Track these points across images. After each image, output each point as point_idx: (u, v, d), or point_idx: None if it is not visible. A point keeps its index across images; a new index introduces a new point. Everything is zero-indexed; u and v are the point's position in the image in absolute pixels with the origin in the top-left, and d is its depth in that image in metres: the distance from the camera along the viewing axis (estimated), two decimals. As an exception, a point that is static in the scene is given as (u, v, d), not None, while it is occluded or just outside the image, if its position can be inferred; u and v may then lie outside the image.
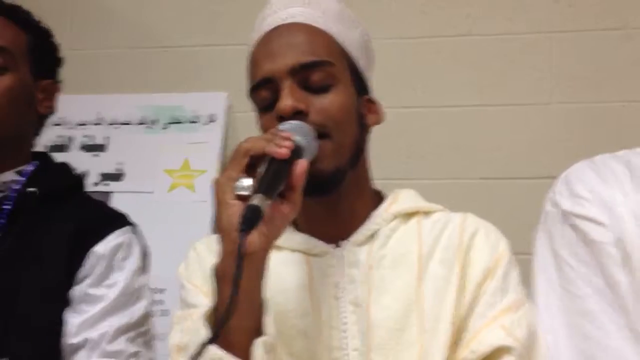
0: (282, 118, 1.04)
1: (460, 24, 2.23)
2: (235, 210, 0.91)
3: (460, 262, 1.08)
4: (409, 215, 1.14)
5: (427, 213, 1.15)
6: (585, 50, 2.15)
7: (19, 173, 1.34)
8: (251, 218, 0.88)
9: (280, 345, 1.02)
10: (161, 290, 2.06)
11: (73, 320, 1.25)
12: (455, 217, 1.14)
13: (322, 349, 1.05)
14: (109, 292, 1.28)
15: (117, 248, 1.31)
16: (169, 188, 2.23)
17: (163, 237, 2.03)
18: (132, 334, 1.28)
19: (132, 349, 1.27)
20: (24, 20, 1.38)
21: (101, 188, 2.24)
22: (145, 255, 1.38)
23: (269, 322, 0.95)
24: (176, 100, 2.33)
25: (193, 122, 2.29)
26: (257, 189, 0.91)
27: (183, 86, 2.35)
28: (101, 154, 2.31)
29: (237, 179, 0.93)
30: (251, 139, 0.97)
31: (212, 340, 0.88)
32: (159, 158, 2.26)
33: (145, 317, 1.33)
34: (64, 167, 1.45)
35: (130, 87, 2.38)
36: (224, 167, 0.96)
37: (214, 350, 0.91)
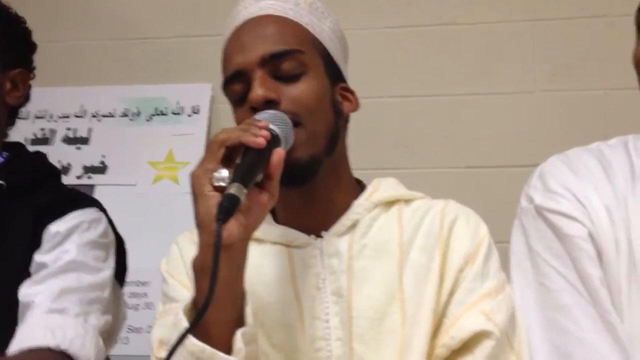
0: (254, 109, 1.04)
1: (444, 13, 2.23)
2: (213, 201, 0.90)
3: (441, 249, 1.08)
4: (389, 204, 1.14)
5: (407, 201, 1.15)
6: (568, 38, 2.16)
7: None
8: (228, 207, 0.87)
9: (262, 337, 1.02)
10: (145, 283, 2.06)
11: (24, 286, 1.22)
12: (436, 204, 1.14)
13: (304, 339, 1.05)
14: (57, 259, 1.23)
15: (76, 226, 1.27)
16: (153, 180, 2.22)
17: (147, 229, 2.03)
18: (80, 296, 1.22)
19: (80, 309, 1.21)
20: None
21: (84, 181, 2.23)
22: (106, 235, 1.32)
23: (250, 314, 0.95)
24: (159, 91, 2.31)
25: (177, 113, 2.28)
26: (234, 178, 0.90)
27: (166, 78, 2.33)
28: (84, 146, 2.30)
29: (214, 170, 0.92)
30: (226, 130, 0.96)
31: (190, 330, 0.88)
32: (143, 150, 2.25)
33: (100, 287, 1.26)
34: (38, 158, 1.41)
35: (112, 79, 2.36)
36: (200, 160, 0.95)
37: (193, 341, 0.90)
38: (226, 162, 0.94)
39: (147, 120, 2.30)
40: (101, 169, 2.26)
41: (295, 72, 1.07)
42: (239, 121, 1.08)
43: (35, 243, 1.25)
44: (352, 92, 1.16)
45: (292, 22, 1.11)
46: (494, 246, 1.11)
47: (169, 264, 1.14)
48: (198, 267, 0.93)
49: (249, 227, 0.94)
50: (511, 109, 2.16)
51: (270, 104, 1.04)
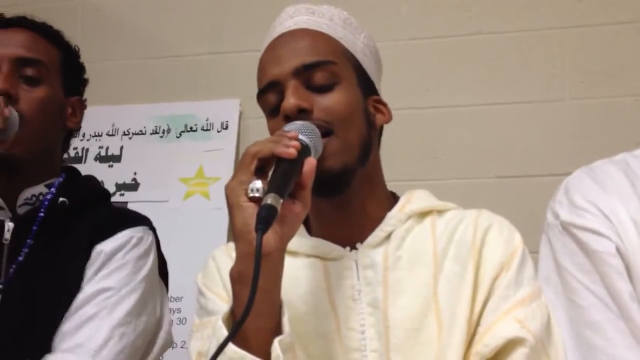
0: (287, 118, 1.05)
1: (469, 23, 2.23)
2: (250, 212, 0.92)
3: (474, 259, 1.08)
4: (423, 215, 1.14)
5: (440, 212, 1.15)
6: (597, 45, 2.14)
7: (48, 186, 1.37)
8: (266, 217, 0.89)
9: (298, 348, 1.03)
10: (178, 298, 2.07)
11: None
12: (469, 214, 1.14)
13: (340, 350, 1.06)
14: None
15: (122, 246, 1.31)
16: (184, 196, 2.24)
17: (179, 245, 2.04)
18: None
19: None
20: (56, 37, 1.42)
21: (117, 199, 2.26)
22: (149, 252, 1.36)
23: (286, 322, 0.96)
24: (189, 109, 2.34)
25: (206, 130, 2.31)
26: (269, 189, 0.92)
27: (195, 95, 2.36)
28: (116, 164, 2.33)
29: (248, 182, 0.94)
30: (258, 142, 0.98)
31: (231, 337, 0.89)
32: (174, 167, 2.28)
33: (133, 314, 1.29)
34: (91, 180, 1.48)
35: (143, 97, 2.40)
36: (234, 173, 0.97)
37: (234, 348, 0.91)
38: (259, 173, 0.95)
39: (177, 137, 2.32)
40: (133, 186, 2.29)
41: (328, 82, 1.09)
42: (272, 131, 1.10)
43: (87, 263, 1.30)
44: (384, 105, 1.18)
45: (325, 36, 1.13)
46: (528, 254, 1.11)
47: (205, 277, 1.15)
48: (236, 277, 0.95)
49: (285, 236, 0.95)
50: (540, 118, 2.15)
51: (303, 112, 1.05)
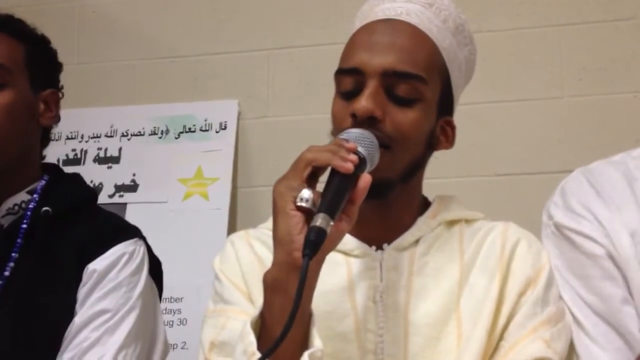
0: (354, 116, 1.02)
1: (468, 21, 2.22)
2: (295, 221, 0.90)
3: (501, 272, 1.06)
4: (452, 223, 1.13)
5: (469, 221, 1.14)
6: (595, 42, 2.13)
7: (30, 192, 1.32)
8: (315, 242, 0.87)
9: None
10: (178, 299, 2.07)
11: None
12: (497, 226, 1.12)
13: (357, 352, 1.04)
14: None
15: (114, 264, 1.26)
16: (183, 197, 2.23)
17: (179, 245, 2.05)
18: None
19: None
20: (19, 31, 1.33)
21: (116, 200, 2.26)
22: (142, 267, 1.31)
23: (316, 335, 0.94)
24: (187, 109, 2.33)
25: (205, 130, 2.30)
26: (321, 206, 0.89)
27: (193, 95, 2.35)
28: (115, 165, 2.33)
29: (297, 189, 0.92)
30: (314, 149, 0.95)
31: (265, 357, 0.87)
32: (172, 167, 2.27)
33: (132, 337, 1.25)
34: (76, 181, 1.42)
35: (141, 98, 2.39)
36: (284, 175, 0.94)
37: None
38: (310, 179, 0.93)
39: (176, 138, 2.32)
40: (132, 188, 2.28)
41: (410, 97, 1.04)
42: (334, 111, 1.07)
43: (79, 281, 1.25)
44: (453, 128, 1.14)
45: (430, 43, 1.07)
46: (554, 273, 1.10)
47: (223, 263, 1.13)
48: (270, 283, 0.93)
49: (326, 251, 0.93)
50: (539, 115, 2.14)
51: (372, 119, 1.02)
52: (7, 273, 1.25)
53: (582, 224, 1.10)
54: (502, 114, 2.17)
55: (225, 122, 2.28)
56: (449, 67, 1.09)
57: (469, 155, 2.16)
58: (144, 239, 1.35)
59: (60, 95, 1.41)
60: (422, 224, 1.11)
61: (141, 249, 1.31)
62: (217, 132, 2.29)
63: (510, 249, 1.08)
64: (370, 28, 1.08)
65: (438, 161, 2.15)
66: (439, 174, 2.17)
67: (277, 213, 0.92)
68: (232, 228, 2.15)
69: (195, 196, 2.23)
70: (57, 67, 1.42)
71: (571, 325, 1.07)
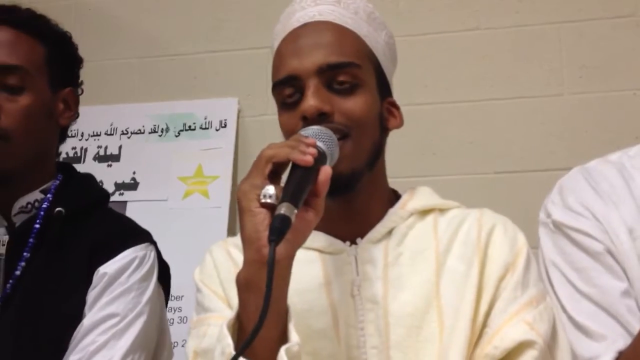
0: (305, 119, 1.04)
1: (467, 19, 2.22)
2: (261, 218, 0.91)
3: (479, 258, 1.07)
4: (425, 213, 1.14)
5: (442, 210, 1.15)
6: (595, 39, 2.14)
7: (44, 192, 1.31)
8: (280, 228, 0.88)
9: None
10: (178, 297, 2.07)
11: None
12: (472, 213, 1.13)
13: (340, 347, 1.05)
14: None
15: (125, 268, 1.26)
16: (183, 195, 2.24)
17: (179, 244, 2.04)
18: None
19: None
20: (40, 31, 1.31)
21: (116, 198, 2.26)
22: (152, 272, 1.31)
23: (293, 330, 0.94)
24: (187, 107, 2.34)
25: (205, 128, 2.30)
26: (284, 197, 0.90)
27: (193, 93, 2.36)
28: (115, 164, 2.33)
29: (260, 186, 0.92)
30: (274, 146, 0.96)
31: (240, 353, 0.88)
32: (172, 166, 2.27)
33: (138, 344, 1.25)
34: (89, 182, 1.41)
35: (141, 96, 2.40)
36: (247, 174, 0.95)
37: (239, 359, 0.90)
38: (272, 177, 0.94)
39: (176, 136, 2.32)
40: (132, 186, 2.29)
41: (350, 85, 1.07)
42: (283, 123, 1.08)
43: (88, 284, 1.25)
44: (397, 108, 1.16)
45: (350, 33, 1.10)
46: (532, 255, 1.10)
47: (202, 274, 1.14)
48: (242, 282, 0.93)
49: (295, 244, 0.94)
50: (539, 113, 2.14)
51: (322, 115, 1.03)
52: (18, 272, 1.26)
53: (581, 222, 1.11)
54: (502, 112, 2.17)
55: (225, 120, 2.28)
56: (375, 52, 1.12)
57: (468, 153, 2.17)
58: (154, 243, 1.35)
59: (80, 91, 1.40)
60: (393, 214, 1.12)
61: (152, 254, 1.31)
62: (217, 130, 2.29)
63: (487, 235, 1.09)
64: (291, 36, 1.10)
65: (437, 158, 2.18)
66: (438, 172, 2.20)
67: (242, 212, 0.93)
68: (232, 226, 2.15)
69: (196, 194, 2.23)
70: (78, 64, 1.40)
71: (553, 308, 1.08)
